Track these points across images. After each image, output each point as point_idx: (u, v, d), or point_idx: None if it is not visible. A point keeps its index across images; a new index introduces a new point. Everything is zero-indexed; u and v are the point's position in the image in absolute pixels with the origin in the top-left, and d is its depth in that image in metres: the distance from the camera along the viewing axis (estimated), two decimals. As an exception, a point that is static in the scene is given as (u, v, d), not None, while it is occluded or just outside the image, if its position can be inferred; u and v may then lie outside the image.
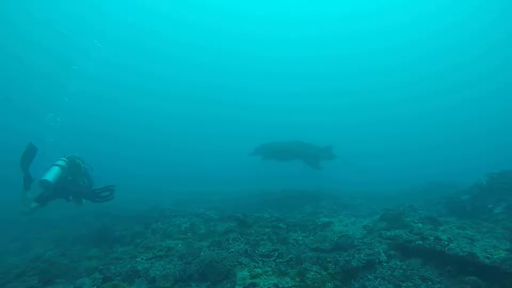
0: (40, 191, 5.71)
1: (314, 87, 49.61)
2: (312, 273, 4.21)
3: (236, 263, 4.40)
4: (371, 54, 46.11)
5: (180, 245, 5.50)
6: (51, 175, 5.66)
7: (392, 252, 4.22)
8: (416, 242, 4.00)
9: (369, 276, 3.86)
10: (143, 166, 35.75)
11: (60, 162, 6.01)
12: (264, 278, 4.06)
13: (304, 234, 5.77)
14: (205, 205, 11.02)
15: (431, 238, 3.93)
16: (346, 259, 4.19)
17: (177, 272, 4.53)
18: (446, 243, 3.74)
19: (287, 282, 3.95)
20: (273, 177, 19.52)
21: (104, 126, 43.35)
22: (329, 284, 3.89)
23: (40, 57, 37.06)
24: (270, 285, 3.85)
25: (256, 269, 4.27)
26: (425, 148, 40.29)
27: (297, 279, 4.04)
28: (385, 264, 4.00)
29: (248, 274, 4.17)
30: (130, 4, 37.74)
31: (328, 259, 4.53)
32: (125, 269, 4.84)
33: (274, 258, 4.60)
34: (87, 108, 39.71)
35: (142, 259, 5.09)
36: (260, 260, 4.52)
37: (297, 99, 49.48)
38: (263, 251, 4.75)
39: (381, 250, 4.26)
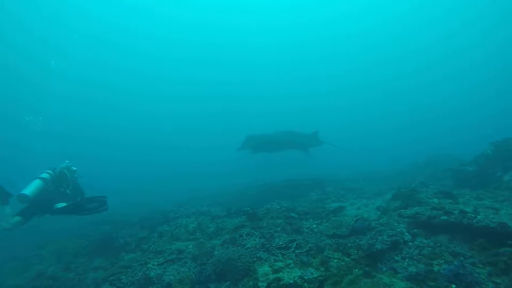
0: (21, 206, 5.34)
1: (299, 74, 49.46)
2: (335, 260, 4.05)
3: (255, 259, 4.19)
4: (356, 34, 45.94)
5: (191, 246, 5.26)
6: (30, 188, 5.31)
7: (415, 230, 4.08)
8: (441, 218, 3.86)
9: (396, 258, 3.71)
10: (134, 168, 34.77)
11: (44, 175, 5.67)
12: (287, 272, 3.87)
13: (317, 222, 5.60)
14: (207, 202, 10.77)
15: (456, 212, 3.80)
16: (370, 242, 4.04)
17: (193, 274, 4.30)
18: (473, 215, 3.62)
19: (312, 273, 3.77)
20: (263, 168, 19.33)
21: (88, 129, 41.71)
22: (356, 270, 3.72)
23: (18, 59, 35.03)
24: (295, 278, 3.66)
25: (277, 263, 4.08)
26: (414, 124, 40.83)
27: (322, 269, 3.86)
28: (410, 244, 3.85)
29: (270, 269, 3.97)
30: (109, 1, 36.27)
31: (349, 245, 4.37)
32: (137, 278, 4.59)
33: (293, 249, 4.41)
34: (72, 111, 38.42)
35: (153, 265, 4.84)
36: (279, 253, 4.33)
37: (285, 87, 49.24)
38: (280, 243, 4.56)
39: (404, 230, 4.12)
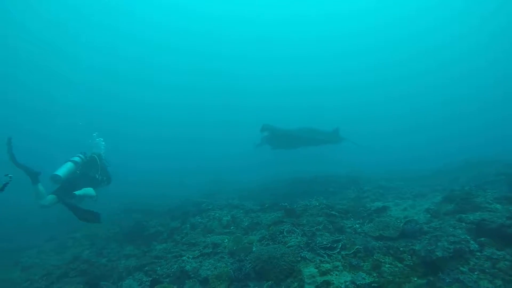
0: (54, 186, 5.55)
1: (319, 70, 48.17)
2: (387, 265, 3.68)
3: (299, 259, 3.91)
4: (381, 27, 43.91)
5: (226, 240, 5.06)
6: (63, 170, 5.59)
7: (483, 239, 3.62)
8: (519, 227, 3.39)
9: (462, 269, 3.29)
10: (152, 160, 34.75)
11: (76, 158, 5.97)
12: (336, 275, 3.57)
13: (359, 221, 5.22)
14: (234, 195, 10.59)
15: (538, 221, 3.32)
16: (428, 248, 3.62)
17: (231, 271, 4.09)
18: (561, 226, 3.12)
19: (364, 278, 3.44)
20: (279, 163, 18.89)
21: (103, 120, 42.14)
22: (415, 278, 3.35)
23: (37, 50, 35.49)
24: (347, 283, 3.35)
25: (323, 264, 3.77)
26: (434, 124, 38.90)
27: (374, 274, 3.52)
28: (479, 254, 3.41)
29: (316, 270, 3.68)
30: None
31: (400, 249, 3.98)
32: (172, 270, 4.45)
33: (338, 250, 4.09)
34: (93, 101, 39.27)
35: (188, 257, 4.69)
36: (324, 253, 4.02)
37: (305, 83, 48.09)
38: (324, 242, 4.25)
39: (468, 237, 3.67)
